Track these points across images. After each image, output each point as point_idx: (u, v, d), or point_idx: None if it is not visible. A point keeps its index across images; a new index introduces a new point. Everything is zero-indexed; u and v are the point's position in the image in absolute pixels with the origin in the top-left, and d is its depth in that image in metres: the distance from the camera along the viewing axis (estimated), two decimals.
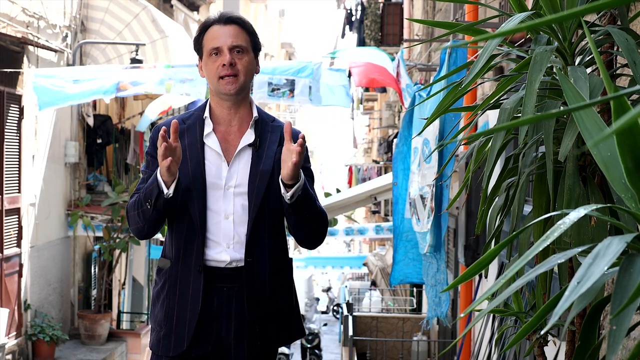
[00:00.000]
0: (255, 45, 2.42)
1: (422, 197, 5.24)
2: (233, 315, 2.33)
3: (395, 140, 15.26)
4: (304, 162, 2.45)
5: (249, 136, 2.38)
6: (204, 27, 2.39)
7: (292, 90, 6.48)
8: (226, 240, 2.33)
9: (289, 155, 2.20)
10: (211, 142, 2.37)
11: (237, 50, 2.34)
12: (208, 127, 2.38)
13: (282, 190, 2.24)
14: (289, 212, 2.31)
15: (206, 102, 2.46)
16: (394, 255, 6.09)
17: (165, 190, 2.22)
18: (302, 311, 20.77)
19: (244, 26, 2.39)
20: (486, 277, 1.75)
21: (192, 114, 2.45)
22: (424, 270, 5.50)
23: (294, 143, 2.38)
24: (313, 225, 2.38)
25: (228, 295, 2.33)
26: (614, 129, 0.75)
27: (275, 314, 2.41)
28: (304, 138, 2.21)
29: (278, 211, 2.37)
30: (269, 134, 2.41)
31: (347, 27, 17.30)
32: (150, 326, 2.49)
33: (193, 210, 2.31)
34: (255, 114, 2.42)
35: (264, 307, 2.37)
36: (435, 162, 5.03)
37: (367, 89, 23.01)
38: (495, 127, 0.90)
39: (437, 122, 5.00)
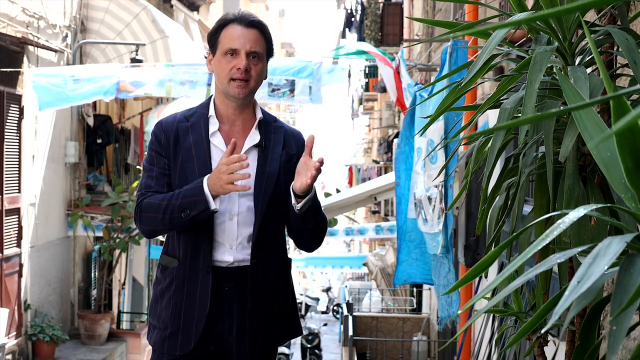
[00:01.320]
0: (269, 52, 2.41)
1: (429, 198, 5.23)
2: (235, 315, 2.33)
3: (395, 140, 15.27)
4: None
5: (255, 137, 2.38)
6: (224, 23, 2.37)
7: (292, 90, 6.48)
8: (229, 241, 2.33)
9: (305, 169, 2.21)
10: (217, 141, 2.36)
11: (253, 56, 2.33)
12: (213, 125, 2.37)
13: (293, 200, 2.25)
14: (295, 221, 2.32)
15: (209, 99, 2.45)
16: (397, 255, 6.08)
17: (212, 206, 2.22)
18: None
19: (264, 32, 2.38)
20: (486, 277, 1.75)
21: (195, 111, 2.43)
22: (434, 271, 5.48)
23: (299, 145, 2.40)
24: (315, 232, 2.40)
25: (230, 295, 2.33)
26: (614, 130, 0.75)
27: (277, 314, 2.41)
28: (322, 162, 2.22)
29: (281, 213, 2.37)
30: (273, 135, 2.41)
31: (347, 27, 17.31)
32: (151, 324, 2.47)
33: None
34: (259, 114, 2.41)
35: (267, 307, 2.37)
36: (441, 162, 5.02)
37: (367, 89, 23.03)
38: (495, 127, 0.90)
39: (441, 123, 4.99)
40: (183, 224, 2.27)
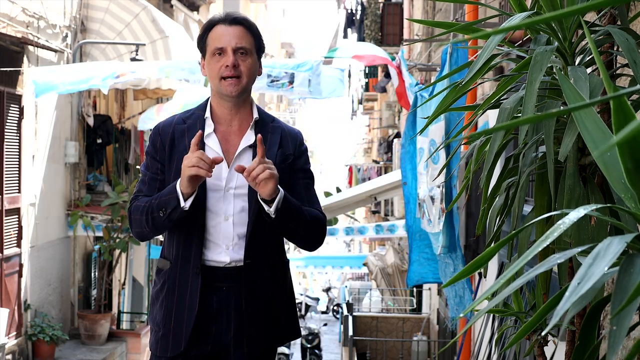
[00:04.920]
0: (259, 47, 2.40)
1: (432, 198, 5.22)
2: (232, 314, 2.33)
3: (395, 140, 15.28)
4: (304, 164, 2.44)
5: (250, 137, 2.36)
6: (209, 26, 2.37)
7: (291, 82, 6.47)
8: (225, 242, 2.33)
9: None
10: (212, 143, 2.35)
11: (241, 52, 2.32)
12: (209, 127, 2.37)
13: (265, 207, 2.22)
14: (276, 226, 2.29)
15: (206, 101, 2.45)
16: (409, 255, 6.06)
17: (182, 203, 2.22)
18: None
19: (250, 28, 2.37)
20: (485, 277, 1.76)
21: (193, 113, 2.43)
22: (441, 271, 5.47)
23: (296, 145, 2.39)
24: (307, 233, 2.37)
25: (227, 294, 2.33)
26: (617, 140, 0.75)
27: (275, 315, 2.41)
28: (260, 140, 2.19)
29: None
30: (269, 135, 2.40)
31: (348, 27, 17.31)
32: (149, 326, 2.49)
33: (193, 212, 2.30)
34: (255, 114, 2.41)
35: (263, 308, 2.37)
36: (443, 162, 5.01)
37: (367, 89, 23.04)
38: (495, 127, 0.90)
39: (442, 123, 4.99)
40: (163, 224, 2.27)
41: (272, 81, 6.45)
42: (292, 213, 2.26)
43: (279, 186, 2.21)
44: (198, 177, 2.18)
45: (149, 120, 9.50)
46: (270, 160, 2.23)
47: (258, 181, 2.16)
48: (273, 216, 2.22)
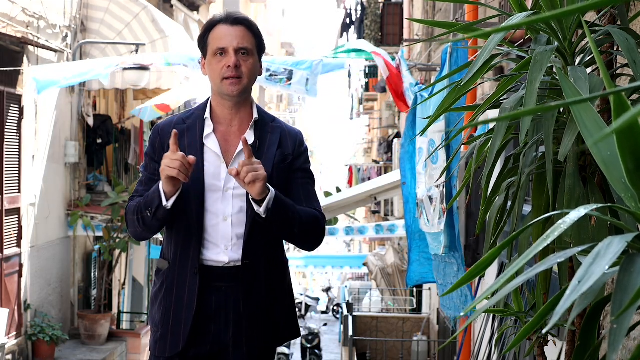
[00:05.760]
0: (260, 47, 2.41)
1: (430, 198, 5.21)
2: (231, 314, 2.33)
3: (395, 140, 15.28)
4: (303, 164, 2.44)
5: (249, 137, 2.36)
6: (210, 26, 2.37)
7: (289, 79, 6.49)
8: (224, 242, 2.32)
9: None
10: (211, 144, 2.35)
11: (243, 52, 2.32)
12: (208, 127, 2.37)
13: (255, 207, 2.21)
14: (268, 227, 2.28)
15: (206, 101, 2.45)
16: (408, 255, 6.05)
17: (164, 202, 2.22)
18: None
19: (251, 28, 2.37)
20: (484, 277, 1.76)
21: (193, 112, 2.43)
22: (436, 271, 5.46)
23: (296, 145, 2.39)
24: (302, 234, 2.36)
25: (226, 294, 2.33)
26: (614, 127, 0.75)
27: (274, 315, 2.41)
28: (245, 142, 2.19)
29: None
30: (269, 135, 2.40)
31: (347, 27, 17.31)
32: (149, 327, 2.49)
33: (190, 212, 2.30)
34: (255, 115, 2.41)
35: (261, 308, 2.36)
36: (442, 162, 5.00)
37: (367, 89, 23.04)
38: (497, 118, 0.90)
39: (441, 123, 4.99)
40: (152, 223, 2.28)
41: (271, 75, 6.47)
42: (285, 214, 2.25)
43: (270, 186, 2.21)
44: (177, 179, 2.19)
45: (144, 109, 9.51)
46: (258, 160, 2.21)
47: (245, 183, 2.16)
48: (263, 216, 2.21)
